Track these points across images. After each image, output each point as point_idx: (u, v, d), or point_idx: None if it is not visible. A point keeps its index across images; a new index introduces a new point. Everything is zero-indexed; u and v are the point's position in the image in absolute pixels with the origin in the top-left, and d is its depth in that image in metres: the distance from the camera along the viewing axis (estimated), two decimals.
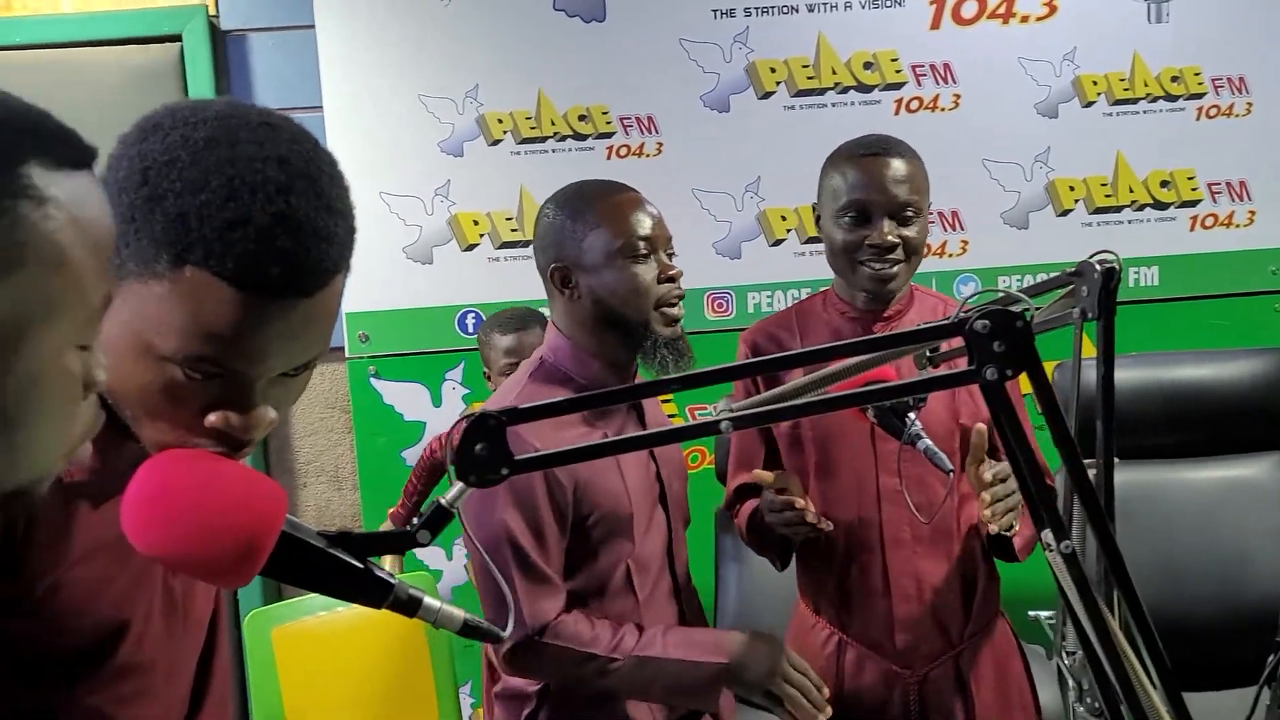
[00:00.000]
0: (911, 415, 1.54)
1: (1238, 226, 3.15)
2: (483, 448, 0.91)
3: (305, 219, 0.87)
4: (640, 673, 1.62)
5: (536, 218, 1.73)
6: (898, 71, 3.10)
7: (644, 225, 1.66)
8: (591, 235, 1.65)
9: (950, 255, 3.16)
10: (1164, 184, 3.15)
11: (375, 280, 3.04)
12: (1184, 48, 3.10)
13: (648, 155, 3.10)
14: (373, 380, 3.09)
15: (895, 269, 1.78)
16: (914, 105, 3.11)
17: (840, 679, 1.87)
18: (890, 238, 1.75)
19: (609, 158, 3.09)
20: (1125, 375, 2.47)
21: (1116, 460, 1.39)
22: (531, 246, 1.76)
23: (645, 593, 1.70)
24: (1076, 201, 3.16)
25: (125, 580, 1.00)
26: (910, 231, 1.78)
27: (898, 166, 1.78)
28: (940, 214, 3.14)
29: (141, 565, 1.02)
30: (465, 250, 3.09)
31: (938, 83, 3.11)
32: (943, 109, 3.12)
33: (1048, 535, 0.95)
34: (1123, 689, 0.93)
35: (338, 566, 0.90)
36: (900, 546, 1.83)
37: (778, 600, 2.33)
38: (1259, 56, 3.10)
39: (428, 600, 0.92)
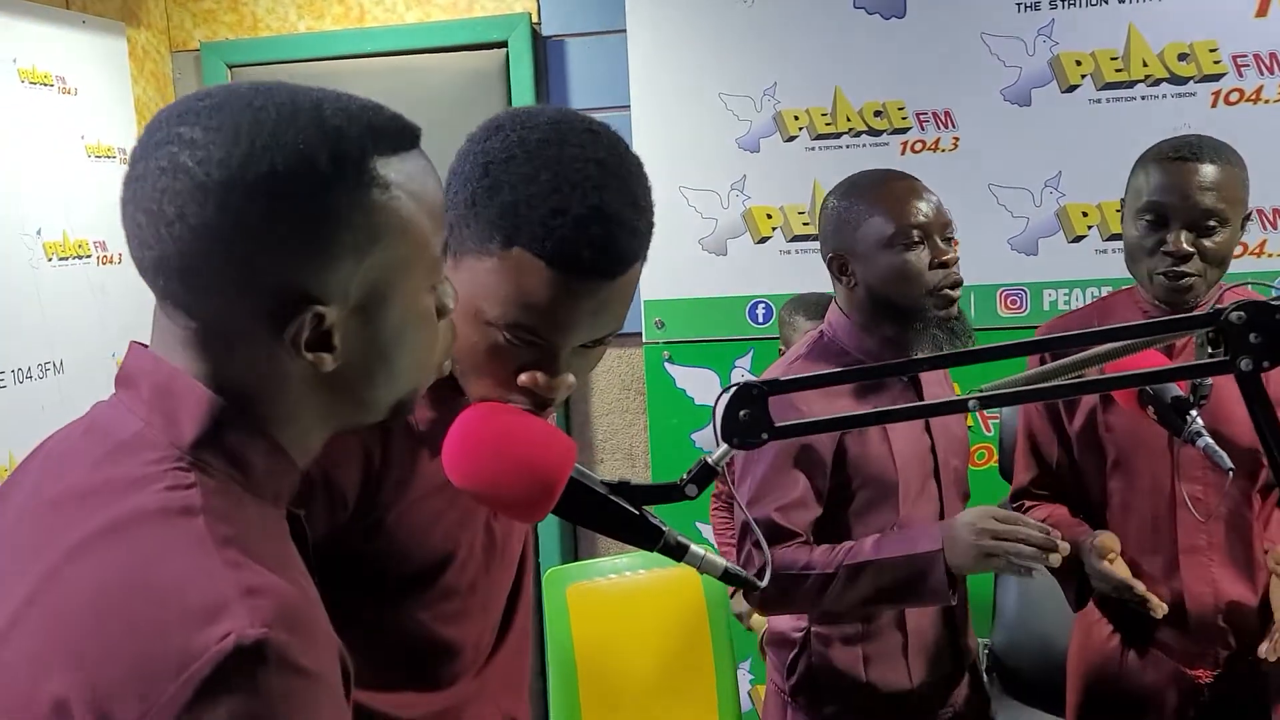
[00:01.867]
0: (1193, 413, 1.51)
1: None
2: (746, 414, 1.01)
3: (614, 213, 1.02)
4: (857, 581, 1.65)
5: (820, 208, 1.82)
6: (1216, 62, 2.95)
7: (917, 212, 1.69)
8: (866, 224, 1.71)
9: (1270, 255, 2.98)
10: None
11: (672, 270, 3.21)
12: None
13: (943, 150, 3.11)
14: (666, 365, 3.26)
15: (1189, 281, 1.71)
16: (1234, 97, 2.96)
17: (1122, 676, 1.85)
18: (1185, 246, 1.69)
19: (903, 153, 3.12)
20: None
21: None
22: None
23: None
24: None
25: (454, 517, 1.18)
26: (1210, 242, 1.70)
27: (1206, 173, 1.70)
28: (1261, 212, 2.97)
29: (468, 506, 1.20)
30: (758, 243, 3.20)
31: (1262, 73, 2.94)
32: (1267, 100, 2.95)
33: None
34: None
35: (617, 511, 1.02)
36: (1195, 553, 1.79)
37: (1059, 600, 2.31)
38: None
39: (694, 548, 1.04)
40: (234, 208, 0.76)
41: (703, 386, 3.26)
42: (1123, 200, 1.84)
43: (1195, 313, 0.97)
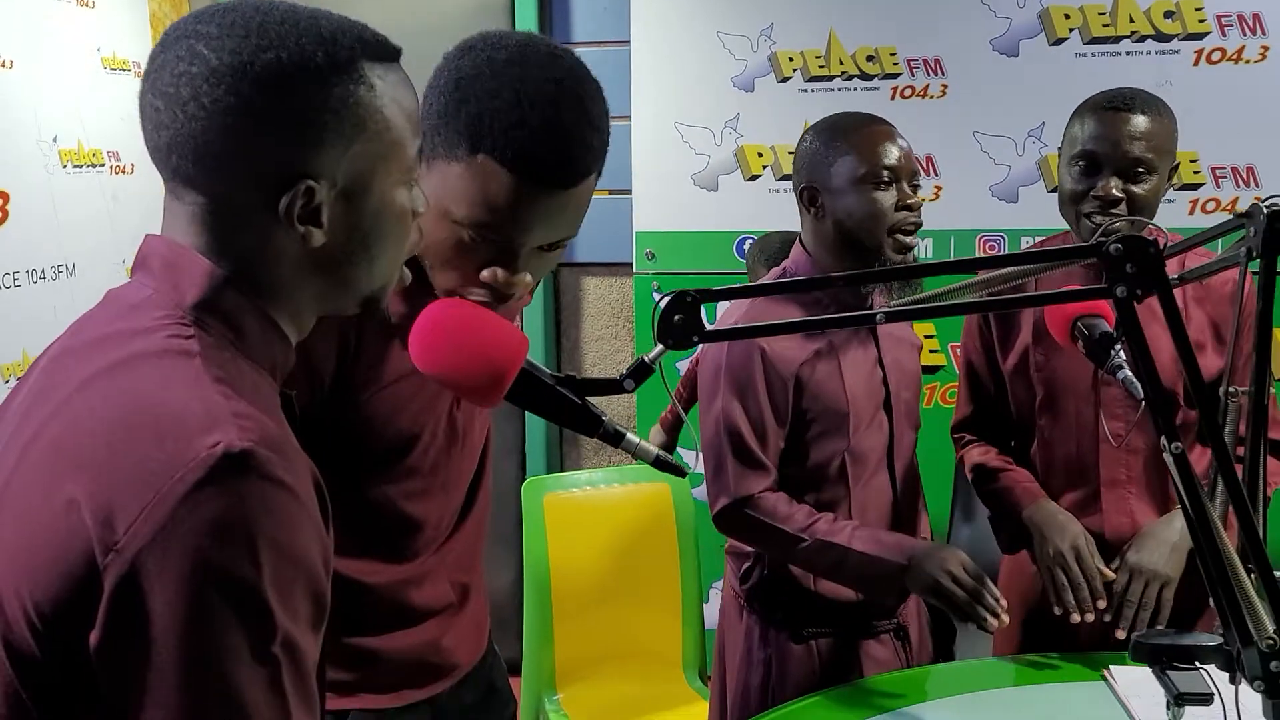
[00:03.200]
0: (1117, 347, 1.63)
1: None
2: (679, 319, 1.13)
3: (570, 129, 1.16)
4: (824, 555, 1.80)
5: (798, 141, 1.92)
6: (1201, 21, 3.03)
7: (890, 155, 1.80)
8: (840, 161, 1.82)
9: (1234, 213, 3.08)
10: None
11: (664, 203, 3.32)
12: None
13: (931, 97, 3.20)
14: (655, 295, 3.36)
15: (1118, 225, 1.83)
16: (1215, 56, 3.04)
17: (1045, 600, 1.99)
18: (1114, 192, 1.79)
19: (893, 98, 3.21)
20: None
21: None
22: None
23: (859, 485, 1.89)
24: None
25: (420, 402, 1.31)
26: (1139, 189, 1.81)
27: (1137, 123, 1.80)
28: (1234, 169, 3.07)
29: (433, 394, 1.33)
30: (748, 180, 3.30)
31: (1244, 33, 3.02)
32: (1247, 60, 3.03)
33: (1164, 440, 1.08)
34: (1218, 571, 1.05)
35: (562, 400, 1.15)
36: (1116, 486, 1.92)
37: None
38: None
39: (629, 435, 1.17)
40: (241, 92, 0.89)
41: None
42: (1059, 150, 1.95)
43: (1076, 245, 1.09)
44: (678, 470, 1.18)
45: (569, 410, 1.16)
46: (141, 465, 0.83)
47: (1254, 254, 1.22)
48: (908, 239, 1.82)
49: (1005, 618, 1.72)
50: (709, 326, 1.15)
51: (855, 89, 3.23)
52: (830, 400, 1.85)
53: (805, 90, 3.24)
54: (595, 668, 2.59)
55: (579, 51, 1.24)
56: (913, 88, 3.20)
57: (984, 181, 3.18)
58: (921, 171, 1.88)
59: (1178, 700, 1.19)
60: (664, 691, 2.60)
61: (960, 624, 1.76)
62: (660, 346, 1.15)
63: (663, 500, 2.60)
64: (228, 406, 0.86)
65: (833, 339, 1.86)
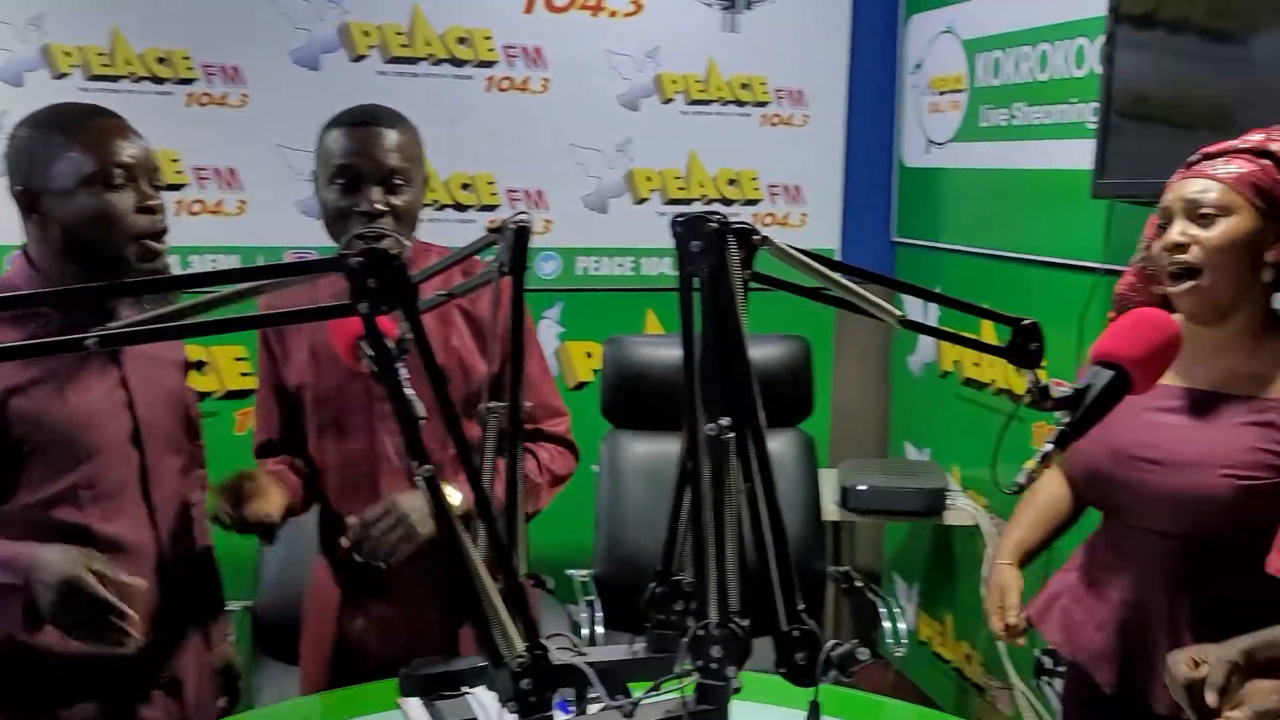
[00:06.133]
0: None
1: (793, 226, 3.48)
2: None
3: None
4: None
5: (9, 138, 1.65)
6: (490, 50, 3.19)
7: (123, 151, 1.61)
8: (64, 158, 1.60)
9: (534, 234, 3.28)
10: (731, 182, 3.42)
11: None
12: (754, 57, 3.38)
13: (231, 106, 3.04)
14: None
15: (388, 241, 1.82)
16: (505, 84, 3.22)
17: (342, 619, 1.94)
18: (379, 205, 1.79)
19: (189, 105, 3.01)
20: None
21: None
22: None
23: (100, 518, 1.64)
24: (652, 191, 3.37)
25: None
26: (400, 200, 1.81)
27: (388, 135, 1.81)
28: (526, 193, 3.27)
29: None
30: None
31: (528, 65, 3.23)
32: (533, 91, 3.24)
33: (414, 464, 1.04)
34: (469, 593, 1.03)
35: None
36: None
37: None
38: (819, 73, 3.44)
39: None
40: None
41: None
42: (314, 172, 1.88)
43: (321, 259, 1.02)
44: None
45: None
46: None
47: (504, 269, 1.24)
48: (155, 245, 1.64)
49: (139, 639, 1.48)
50: None
51: (146, 91, 2.97)
52: (51, 431, 1.61)
53: (85, 89, 2.91)
54: None
55: None
56: (210, 95, 3.01)
57: (290, 196, 3.08)
58: (161, 169, 1.71)
59: None
60: None
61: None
62: None
63: None
64: None
65: (54, 362, 1.62)
